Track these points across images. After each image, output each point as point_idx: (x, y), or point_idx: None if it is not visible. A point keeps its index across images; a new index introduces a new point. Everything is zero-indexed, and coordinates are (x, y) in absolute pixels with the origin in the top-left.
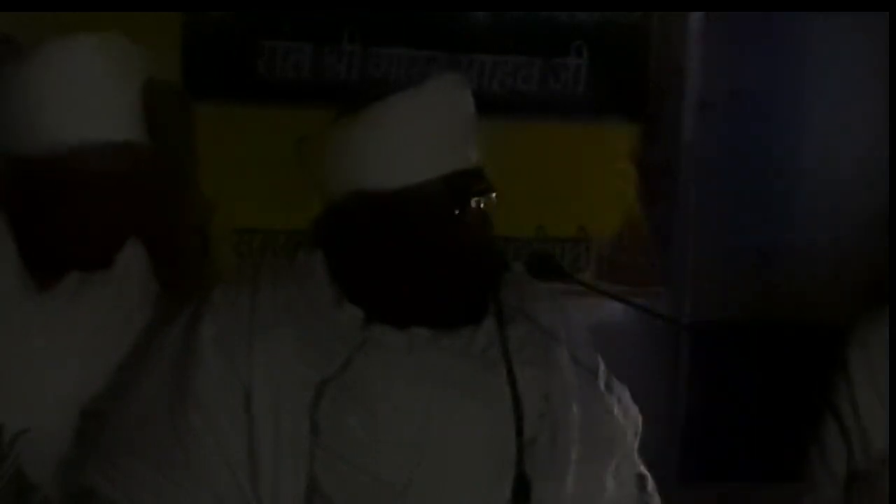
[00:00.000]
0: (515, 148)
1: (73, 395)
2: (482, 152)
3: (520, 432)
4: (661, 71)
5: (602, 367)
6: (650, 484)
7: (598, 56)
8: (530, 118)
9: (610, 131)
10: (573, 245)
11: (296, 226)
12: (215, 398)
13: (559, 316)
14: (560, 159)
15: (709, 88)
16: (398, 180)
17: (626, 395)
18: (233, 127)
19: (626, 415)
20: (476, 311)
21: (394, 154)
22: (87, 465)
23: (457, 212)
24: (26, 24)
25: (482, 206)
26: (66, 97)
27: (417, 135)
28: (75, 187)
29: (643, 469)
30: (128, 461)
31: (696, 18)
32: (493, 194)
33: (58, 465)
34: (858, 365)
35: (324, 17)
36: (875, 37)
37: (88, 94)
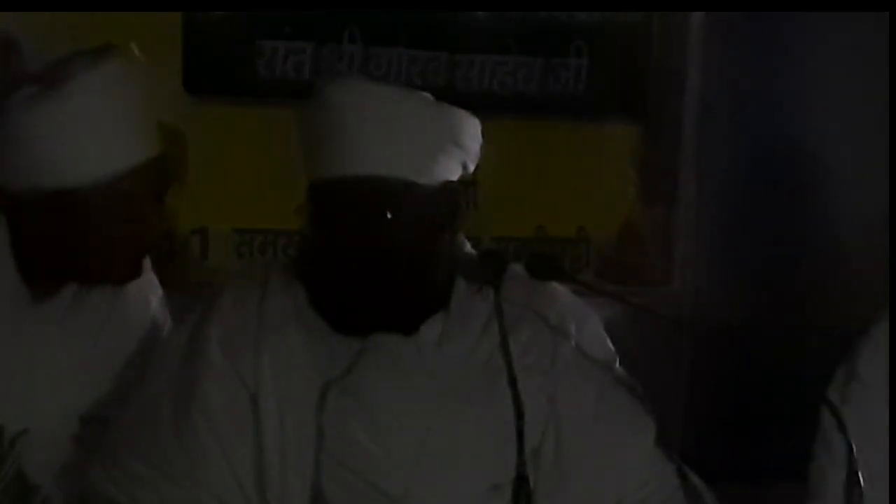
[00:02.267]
0: (515, 148)
1: (70, 400)
2: (496, 152)
3: (520, 432)
4: (661, 71)
5: (618, 363)
6: (693, 476)
7: (598, 56)
8: (530, 118)
9: (610, 131)
10: (573, 245)
11: (296, 226)
12: (220, 400)
13: (570, 312)
14: (560, 159)
15: (709, 88)
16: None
17: (640, 391)
18: (233, 127)
19: (643, 411)
20: (416, 315)
21: (322, 148)
22: (90, 465)
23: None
24: (27, 24)
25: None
26: (101, 128)
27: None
28: (116, 210)
29: (680, 463)
30: (130, 462)
31: (696, 18)
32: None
33: (58, 467)
34: (869, 363)
35: (324, 17)
36: (875, 36)
37: (121, 120)
